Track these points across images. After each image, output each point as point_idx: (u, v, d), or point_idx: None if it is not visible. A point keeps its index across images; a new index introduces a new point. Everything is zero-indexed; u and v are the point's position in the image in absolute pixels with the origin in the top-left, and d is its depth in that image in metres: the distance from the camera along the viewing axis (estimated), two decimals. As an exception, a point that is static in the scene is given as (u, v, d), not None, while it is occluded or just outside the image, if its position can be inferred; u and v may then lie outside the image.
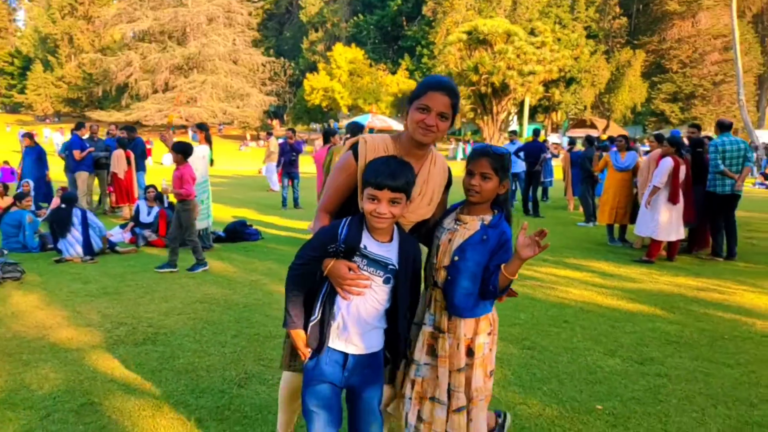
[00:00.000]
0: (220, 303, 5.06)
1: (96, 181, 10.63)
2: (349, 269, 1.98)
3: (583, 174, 10.31)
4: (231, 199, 13.22)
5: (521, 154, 11.57)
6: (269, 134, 19.03)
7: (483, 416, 2.19)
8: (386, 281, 2.03)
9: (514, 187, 12.76)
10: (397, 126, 24.06)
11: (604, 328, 4.51)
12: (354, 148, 2.19)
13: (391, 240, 2.05)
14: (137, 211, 8.26)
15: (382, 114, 38.87)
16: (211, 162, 7.45)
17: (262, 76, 48.71)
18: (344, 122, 53.14)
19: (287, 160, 12.11)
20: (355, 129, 6.93)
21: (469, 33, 32.68)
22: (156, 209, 8.08)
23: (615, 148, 9.74)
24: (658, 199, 6.97)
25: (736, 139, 7.46)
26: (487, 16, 37.98)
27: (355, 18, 53.03)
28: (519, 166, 11.67)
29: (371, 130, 25.50)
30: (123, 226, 8.32)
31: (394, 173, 1.95)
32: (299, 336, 2.08)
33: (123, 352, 3.86)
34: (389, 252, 2.03)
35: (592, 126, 40.80)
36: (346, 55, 42.44)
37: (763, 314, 4.93)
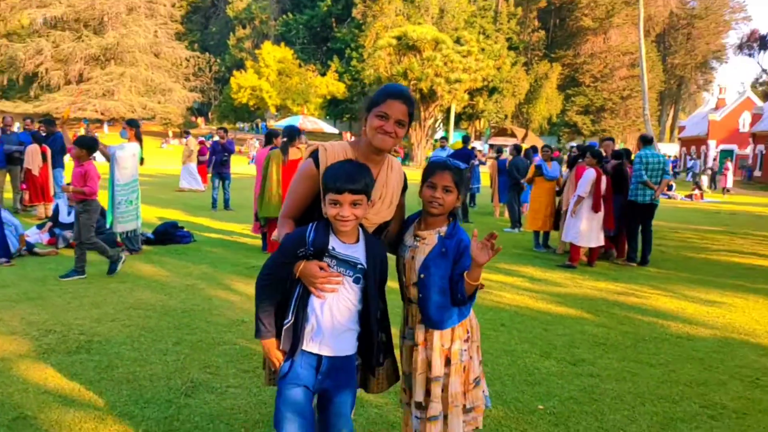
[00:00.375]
0: (156, 309, 4.88)
1: (8, 178, 9.87)
2: (321, 268, 2.02)
3: (511, 181, 10.76)
4: (156, 200, 12.67)
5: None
6: (186, 133, 18.47)
7: (458, 422, 2.22)
8: (356, 281, 2.08)
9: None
10: (329, 128, 23.97)
11: (538, 330, 4.77)
12: (314, 155, 2.22)
13: (357, 241, 2.10)
14: (56, 210, 7.76)
15: (312, 115, 38.65)
16: (141, 161, 7.13)
17: (185, 71, 46.85)
18: (272, 122, 52.42)
19: (218, 160, 11.78)
20: (292, 132, 6.88)
21: (398, 38, 33.20)
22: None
23: (538, 158, 10.29)
24: (581, 208, 7.43)
25: (657, 153, 8.09)
26: (416, 23, 38.65)
27: (284, 16, 52.31)
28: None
29: (302, 132, 25.23)
30: (40, 227, 7.79)
31: (353, 177, 2.00)
32: (272, 345, 2.09)
33: (55, 362, 3.64)
34: (357, 252, 2.08)
35: (512, 135, 42.60)
36: (275, 54, 41.80)
37: (675, 317, 5.38)
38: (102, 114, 39.60)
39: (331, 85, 43.83)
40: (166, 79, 44.02)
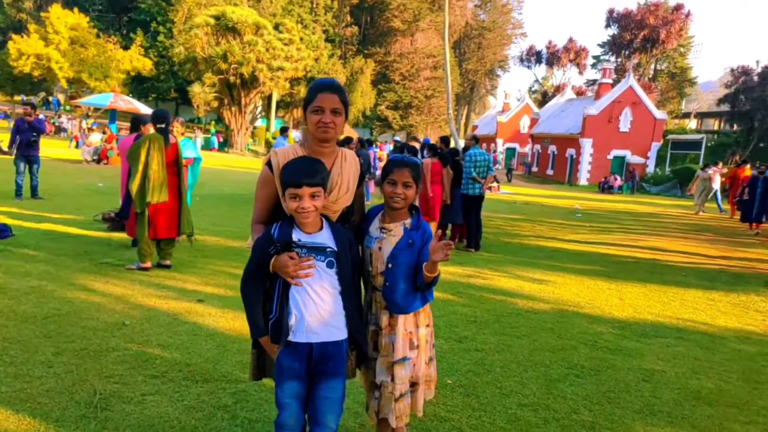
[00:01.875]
0: (8, 316, 4.20)
1: None
2: (290, 257, 2.12)
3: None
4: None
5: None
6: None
7: (422, 395, 2.51)
8: (329, 265, 2.17)
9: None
10: (145, 109, 21.92)
11: (418, 314, 5.19)
12: (269, 162, 2.34)
13: (321, 229, 2.22)
14: None
15: (113, 92, 34.78)
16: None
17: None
18: (61, 96, 45.87)
19: (24, 140, 10.15)
20: (165, 115, 6.17)
21: (217, 18, 31.62)
22: None
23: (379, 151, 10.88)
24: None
25: (483, 152, 9.14)
26: (231, 3, 37.22)
27: (75, -23, 46.15)
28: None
29: (114, 112, 22.68)
30: None
31: (308, 170, 2.14)
32: (267, 341, 2.20)
33: None
34: (323, 239, 2.19)
35: (330, 125, 43.50)
36: (66, 19, 36.66)
37: (518, 294, 6.26)
38: None
39: (136, 60, 40.03)
40: None
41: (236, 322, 4.51)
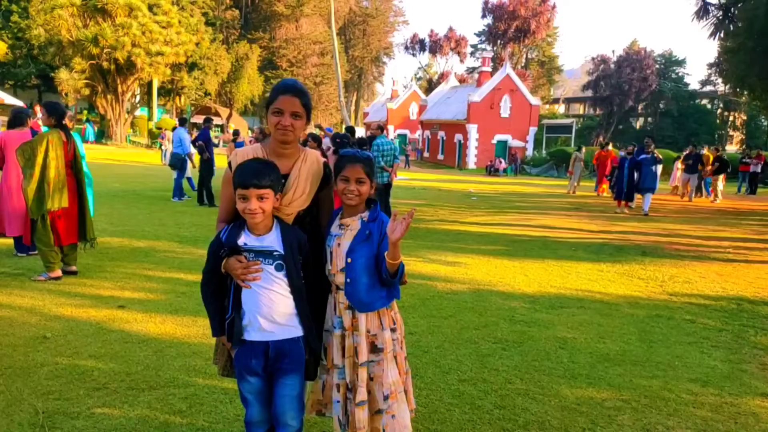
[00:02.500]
0: None
1: None
2: (239, 261, 2.19)
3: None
4: None
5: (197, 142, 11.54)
6: None
7: (404, 408, 2.40)
8: (278, 268, 2.21)
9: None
10: (10, 99, 19.67)
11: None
12: (229, 162, 2.37)
13: (270, 232, 2.24)
14: None
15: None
16: None
17: None
18: None
19: None
20: (62, 109, 5.67)
21: (83, -1, 29.03)
22: None
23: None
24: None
25: (389, 141, 9.41)
26: (96, -19, 34.34)
27: None
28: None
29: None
30: None
31: (257, 172, 2.15)
32: (224, 340, 2.30)
33: None
34: (272, 242, 2.21)
35: (217, 114, 41.90)
36: None
37: (435, 277, 6.59)
38: None
39: (-18, 42, 35.67)
40: None
41: (166, 326, 4.36)
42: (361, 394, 2.32)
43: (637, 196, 14.27)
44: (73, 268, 5.70)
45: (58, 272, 5.46)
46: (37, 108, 6.32)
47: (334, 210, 2.57)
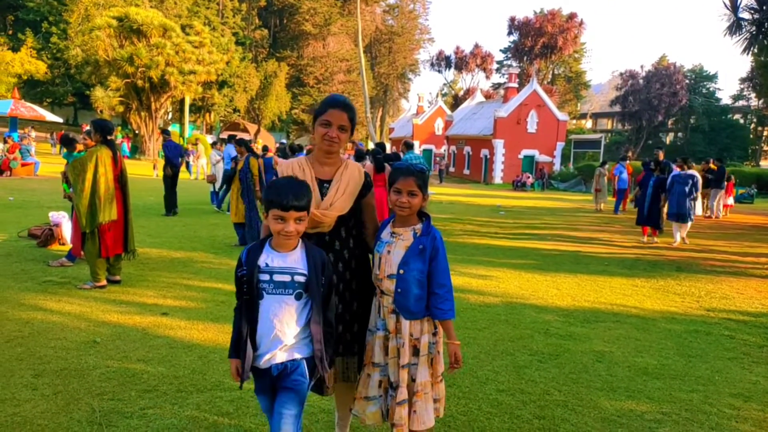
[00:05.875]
0: (-37, 343, 3.94)
1: None
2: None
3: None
4: None
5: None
6: None
7: (428, 407, 2.47)
8: (297, 297, 2.14)
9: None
10: (51, 116, 20.42)
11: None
12: (276, 173, 2.50)
13: (294, 249, 2.19)
14: None
15: (4, 97, 32.04)
16: None
17: None
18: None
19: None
20: (110, 126, 5.90)
21: (120, 20, 30.05)
22: None
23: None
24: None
25: (418, 156, 9.51)
26: (132, 4, 35.54)
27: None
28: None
29: (14, 119, 20.93)
30: None
31: (297, 194, 2.10)
32: (232, 364, 2.23)
33: None
34: (295, 261, 2.15)
35: (245, 130, 42.60)
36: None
37: (469, 290, 6.59)
38: None
39: (28, 62, 37.16)
40: None
41: (209, 333, 4.49)
42: (402, 394, 2.42)
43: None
44: (118, 277, 5.90)
45: (104, 282, 5.66)
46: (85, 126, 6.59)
47: (376, 217, 2.71)
